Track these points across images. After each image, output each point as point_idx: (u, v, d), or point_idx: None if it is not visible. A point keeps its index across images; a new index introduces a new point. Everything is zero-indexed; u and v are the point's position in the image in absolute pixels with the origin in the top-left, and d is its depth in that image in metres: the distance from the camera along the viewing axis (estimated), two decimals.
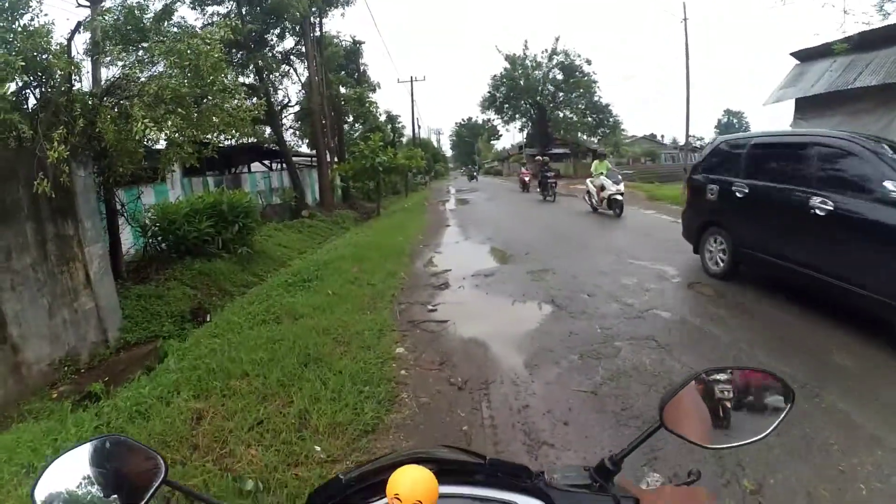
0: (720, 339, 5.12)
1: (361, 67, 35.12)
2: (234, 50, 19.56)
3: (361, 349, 5.21)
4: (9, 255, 6.10)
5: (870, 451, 3.12)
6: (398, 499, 0.71)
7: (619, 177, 15.28)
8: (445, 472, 0.82)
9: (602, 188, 15.03)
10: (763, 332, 5.24)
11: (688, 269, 7.85)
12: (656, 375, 4.36)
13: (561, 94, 46.37)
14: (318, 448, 3.41)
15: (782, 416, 1.00)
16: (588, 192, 16.21)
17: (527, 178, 28.53)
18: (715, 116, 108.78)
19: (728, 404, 1.03)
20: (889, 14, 10.97)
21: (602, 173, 15.30)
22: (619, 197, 14.45)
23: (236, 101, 9.24)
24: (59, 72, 6.84)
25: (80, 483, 0.89)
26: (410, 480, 0.72)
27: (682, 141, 24.01)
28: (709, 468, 2.96)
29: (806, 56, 13.83)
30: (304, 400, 4.02)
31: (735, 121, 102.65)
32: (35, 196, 6.14)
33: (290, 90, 38.93)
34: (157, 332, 7.57)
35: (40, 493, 0.87)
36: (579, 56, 44.99)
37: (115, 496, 0.89)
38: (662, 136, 79.22)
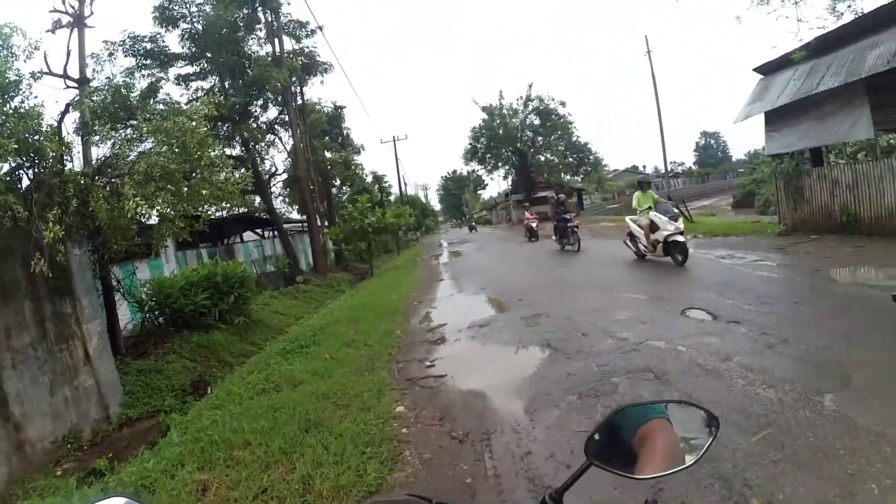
0: None
1: (345, 131, 36.16)
2: (219, 123, 20.05)
3: (361, 411, 5.23)
4: (8, 334, 6.21)
5: None
6: None
7: (675, 210, 11.73)
8: None
9: (652, 227, 11.34)
10: None
11: None
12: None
13: (540, 138, 47.55)
14: None
15: (708, 443, 1.05)
16: (630, 234, 12.54)
17: (534, 224, 24.31)
18: (693, 139, 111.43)
19: (653, 436, 1.07)
20: (842, 14, 11.25)
21: (649, 207, 11.69)
22: (680, 238, 10.70)
23: (224, 174, 9.48)
24: (51, 153, 7.09)
25: None
26: None
27: (662, 169, 24.64)
28: (715, 492, 2.98)
29: (768, 70, 14.32)
30: (306, 465, 4.03)
31: (712, 141, 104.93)
32: (32, 275, 6.27)
33: (277, 159, 39.55)
34: (158, 406, 7.58)
35: None
36: (553, 99, 46.55)
37: None
38: (644, 167, 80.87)
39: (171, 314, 10.75)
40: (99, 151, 8.78)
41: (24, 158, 7.03)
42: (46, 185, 6.90)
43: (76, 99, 8.79)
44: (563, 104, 46.46)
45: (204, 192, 8.97)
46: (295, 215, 30.24)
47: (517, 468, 3.81)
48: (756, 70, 14.74)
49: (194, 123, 8.36)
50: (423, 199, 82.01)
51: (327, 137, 33.58)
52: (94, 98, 9.02)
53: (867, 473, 2.90)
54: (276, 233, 24.10)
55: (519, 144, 47.28)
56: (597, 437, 1.07)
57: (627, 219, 12.76)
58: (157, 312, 10.90)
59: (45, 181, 6.95)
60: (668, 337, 6.11)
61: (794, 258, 9.27)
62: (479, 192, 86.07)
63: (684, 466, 1.04)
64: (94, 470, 5.63)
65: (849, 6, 11.21)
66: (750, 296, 6.81)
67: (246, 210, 19.80)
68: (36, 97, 7.48)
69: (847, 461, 3.06)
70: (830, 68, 11.68)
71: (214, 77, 22.38)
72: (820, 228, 12.22)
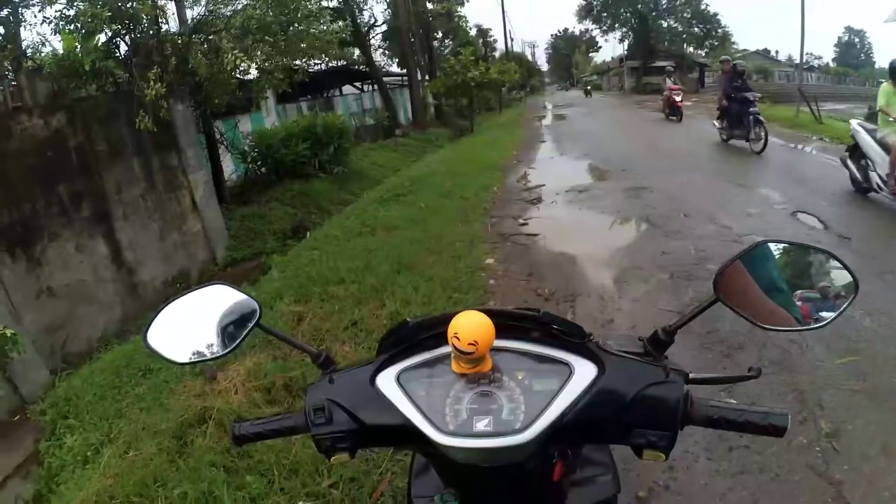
0: None
1: None
2: None
3: (452, 259, 5.34)
4: (119, 188, 6.67)
5: None
6: (457, 338, 0.77)
7: None
8: (503, 326, 0.85)
9: None
10: None
11: None
12: None
13: (664, 1, 42.88)
14: None
15: (844, 305, 0.89)
16: (855, 148, 6.69)
17: (678, 99, 16.76)
18: (835, 34, 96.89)
19: (788, 283, 0.94)
20: None
21: None
22: None
23: (322, 25, 9.35)
24: (145, 17, 7.15)
25: (186, 324, 0.99)
26: (469, 322, 0.78)
27: (797, 59, 21.28)
28: (787, 403, 2.81)
29: None
30: (395, 303, 4.21)
31: (857, 40, 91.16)
32: (138, 132, 6.61)
33: (376, 9, 38.17)
34: (261, 248, 8.11)
35: (152, 335, 0.98)
36: None
37: (216, 334, 1.00)
38: (777, 53, 71.83)
39: (273, 164, 11.19)
40: (194, 12, 8.87)
41: (120, 26, 7.13)
42: (144, 48, 7.12)
43: None
44: None
45: (302, 44, 8.97)
46: (395, 69, 29.65)
47: (598, 333, 3.75)
48: None
49: None
50: (529, 58, 77.75)
51: None
52: None
53: None
54: (375, 86, 23.85)
55: (640, 5, 42.93)
56: (728, 270, 0.93)
57: (855, 124, 6.96)
58: (259, 163, 11.39)
59: (142, 44, 7.16)
60: (773, 234, 5.58)
61: None
62: (591, 54, 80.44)
63: (819, 325, 0.90)
64: None
65: None
66: (865, 216, 6.04)
67: (345, 63, 19.62)
68: None
69: None
70: None
71: None
72: None
